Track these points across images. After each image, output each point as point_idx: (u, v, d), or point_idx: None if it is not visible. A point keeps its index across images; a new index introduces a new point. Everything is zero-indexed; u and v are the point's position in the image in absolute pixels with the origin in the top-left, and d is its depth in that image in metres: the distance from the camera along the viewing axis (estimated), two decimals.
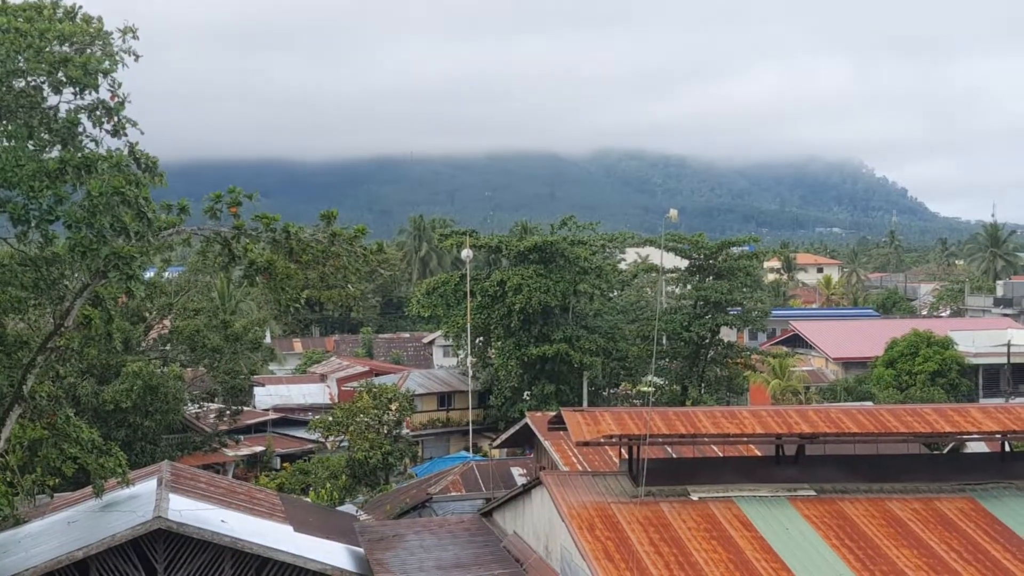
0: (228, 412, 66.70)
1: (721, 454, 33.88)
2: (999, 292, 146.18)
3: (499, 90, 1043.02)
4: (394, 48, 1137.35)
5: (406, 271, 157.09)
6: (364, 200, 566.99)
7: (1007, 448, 29.85)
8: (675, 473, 28.22)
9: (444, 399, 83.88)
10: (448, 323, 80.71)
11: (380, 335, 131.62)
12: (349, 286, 31.30)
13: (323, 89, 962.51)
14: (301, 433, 77.73)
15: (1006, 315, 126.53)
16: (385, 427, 61.38)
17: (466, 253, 74.56)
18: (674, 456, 33.65)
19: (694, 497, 27.10)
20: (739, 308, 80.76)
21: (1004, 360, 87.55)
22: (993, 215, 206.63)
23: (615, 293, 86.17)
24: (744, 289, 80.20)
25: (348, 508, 50.18)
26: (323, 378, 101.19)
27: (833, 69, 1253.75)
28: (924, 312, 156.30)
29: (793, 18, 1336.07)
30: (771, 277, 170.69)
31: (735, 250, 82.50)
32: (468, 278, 73.68)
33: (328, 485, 57.36)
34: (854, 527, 25.93)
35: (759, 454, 33.45)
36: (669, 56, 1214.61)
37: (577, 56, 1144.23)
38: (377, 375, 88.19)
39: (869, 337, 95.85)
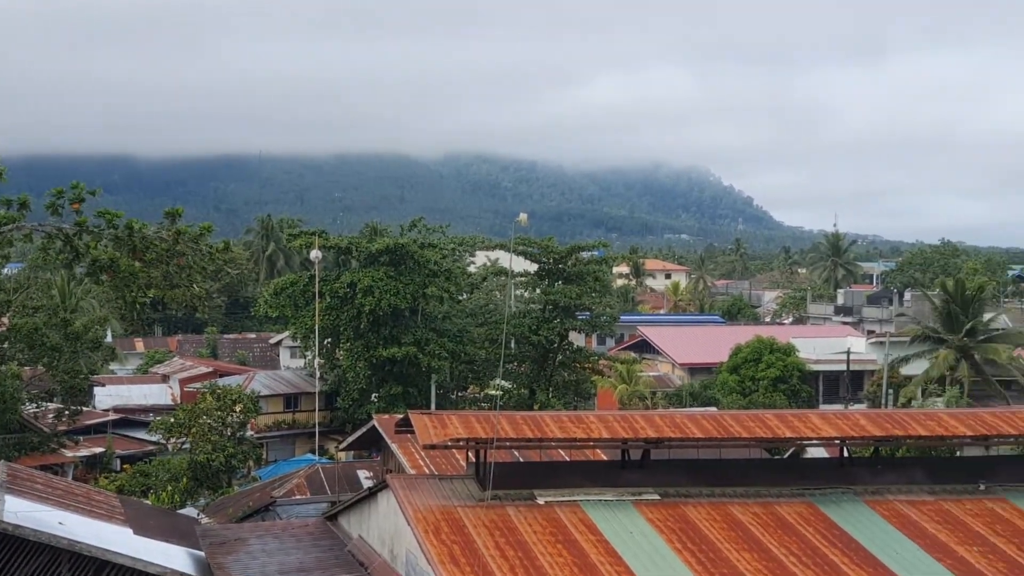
0: (67, 412, 65.22)
1: (568, 458, 34.00)
2: (839, 300, 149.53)
3: (348, 90, 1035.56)
4: (242, 45, 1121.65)
5: (253, 271, 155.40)
6: (211, 198, 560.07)
7: (845, 453, 30.41)
8: (522, 477, 28.22)
9: (290, 400, 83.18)
10: (296, 324, 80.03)
11: (225, 335, 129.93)
12: (194, 285, 30.77)
13: (169, 85, 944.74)
14: (142, 434, 76.38)
15: (846, 323, 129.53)
16: (229, 429, 60.51)
17: (315, 254, 73.72)
18: (521, 460, 33.69)
19: (540, 501, 27.13)
20: (588, 313, 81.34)
21: (843, 367, 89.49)
22: (835, 225, 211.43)
23: (464, 296, 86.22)
24: (593, 294, 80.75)
25: (190, 511, 49.40)
26: (165, 379, 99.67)
27: (679, 77, 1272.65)
28: (768, 319, 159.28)
29: (639, 26, 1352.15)
30: (620, 282, 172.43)
31: (584, 255, 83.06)
32: (317, 279, 73.13)
33: (169, 488, 56.40)
34: (696, 531, 26.18)
35: (605, 458, 33.64)
36: (517, 60, 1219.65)
37: (427, 57, 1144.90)
38: (221, 376, 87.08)
39: (714, 343, 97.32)
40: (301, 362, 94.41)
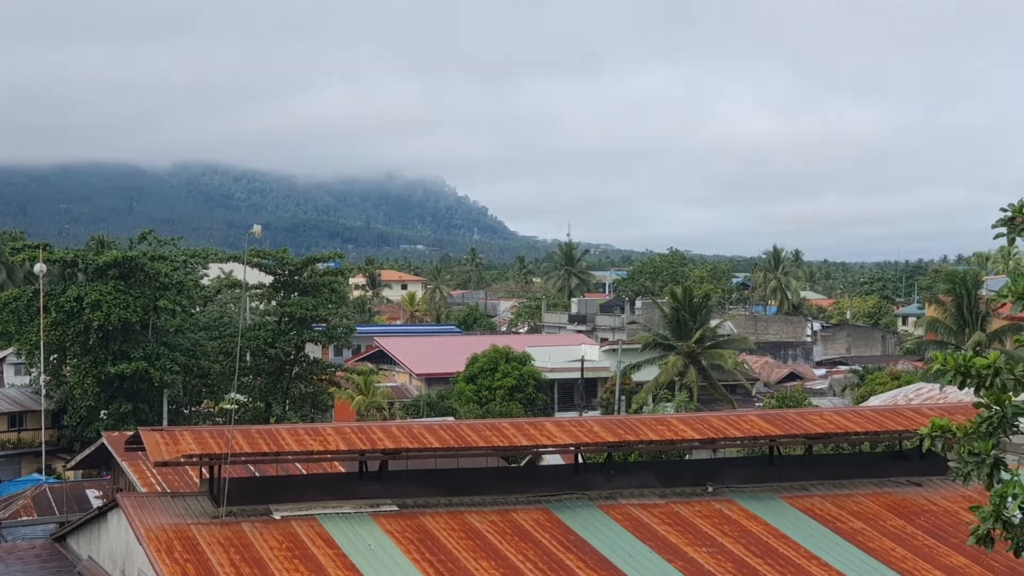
0: None
1: (305, 471, 33.71)
2: (573, 309, 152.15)
3: (70, 97, 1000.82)
4: None
5: None
6: None
7: (580, 460, 30.93)
8: (257, 492, 27.85)
9: (15, 419, 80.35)
10: (20, 340, 77.35)
11: None
12: None
13: None
14: None
15: (580, 331, 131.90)
16: None
17: (39, 267, 71.62)
18: (257, 475, 33.25)
19: (276, 516, 26.81)
20: (324, 324, 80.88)
21: (578, 375, 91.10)
22: (568, 234, 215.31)
23: (198, 309, 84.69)
24: (329, 305, 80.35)
25: None
26: None
27: (406, 88, 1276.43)
28: (503, 328, 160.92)
29: (362, 37, 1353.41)
30: (356, 293, 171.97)
31: (320, 266, 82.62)
32: (42, 293, 70.79)
33: None
34: (435, 540, 26.26)
35: (343, 470, 33.46)
36: (241, 69, 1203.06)
37: (150, 64, 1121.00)
38: None
39: (451, 353, 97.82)
40: (26, 379, 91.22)
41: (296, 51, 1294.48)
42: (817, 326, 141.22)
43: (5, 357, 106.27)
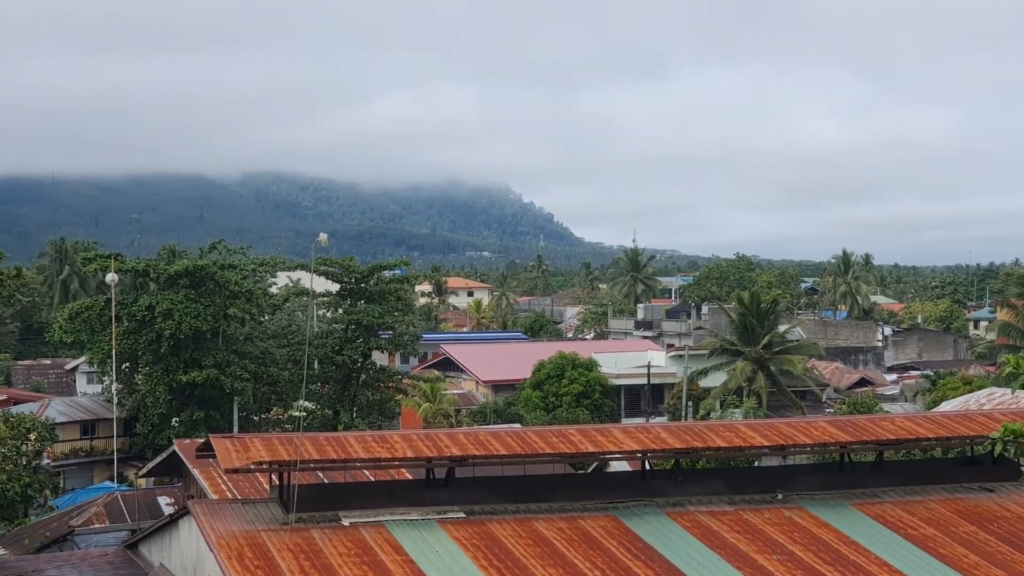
0: None
1: (372, 478, 33.82)
2: (640, 315, 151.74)
3: (141, 110, 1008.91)
4: (30, 63, 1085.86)
5: (47, 295, 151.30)
6: (2, 222, 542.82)
7: (647, 466, 30.80)
8: (326, 499, 27.96)
9: (88, 427, 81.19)
10: (93, 349, 78.21)
11: (19, 362, 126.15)
12: None
13: None
14: None
15: (646, 337, 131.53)
16: (24, 458, 58.75)
17: (110, 277, 72.34)
18: (325, 482, 33.39)
19: (345, 522, 26.90)
20: (390, 332, 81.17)
21: (644, 381, 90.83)
22: (634, 240, 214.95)
23: (266, 317, 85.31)
24: (395, 313, 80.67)
25: None
26: None
27: (467, 95, 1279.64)
28: (570, 335, 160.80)
29: (425, 45, 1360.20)
30: (422, 301, 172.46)
31: (386, 274, 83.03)
32: (113, 302, 71.52)
33: None
34: (502, 547, 26.24)
35: (410, 477, 33.53)
36: (306, 78, 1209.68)
37: (216, 76, 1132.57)
38: (16, 403, 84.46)
39: (518, 360, 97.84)
40: (99, 388, 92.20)
41: (360, 60, 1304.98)
42: (888, 331, 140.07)
43: (78, 366, 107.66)
